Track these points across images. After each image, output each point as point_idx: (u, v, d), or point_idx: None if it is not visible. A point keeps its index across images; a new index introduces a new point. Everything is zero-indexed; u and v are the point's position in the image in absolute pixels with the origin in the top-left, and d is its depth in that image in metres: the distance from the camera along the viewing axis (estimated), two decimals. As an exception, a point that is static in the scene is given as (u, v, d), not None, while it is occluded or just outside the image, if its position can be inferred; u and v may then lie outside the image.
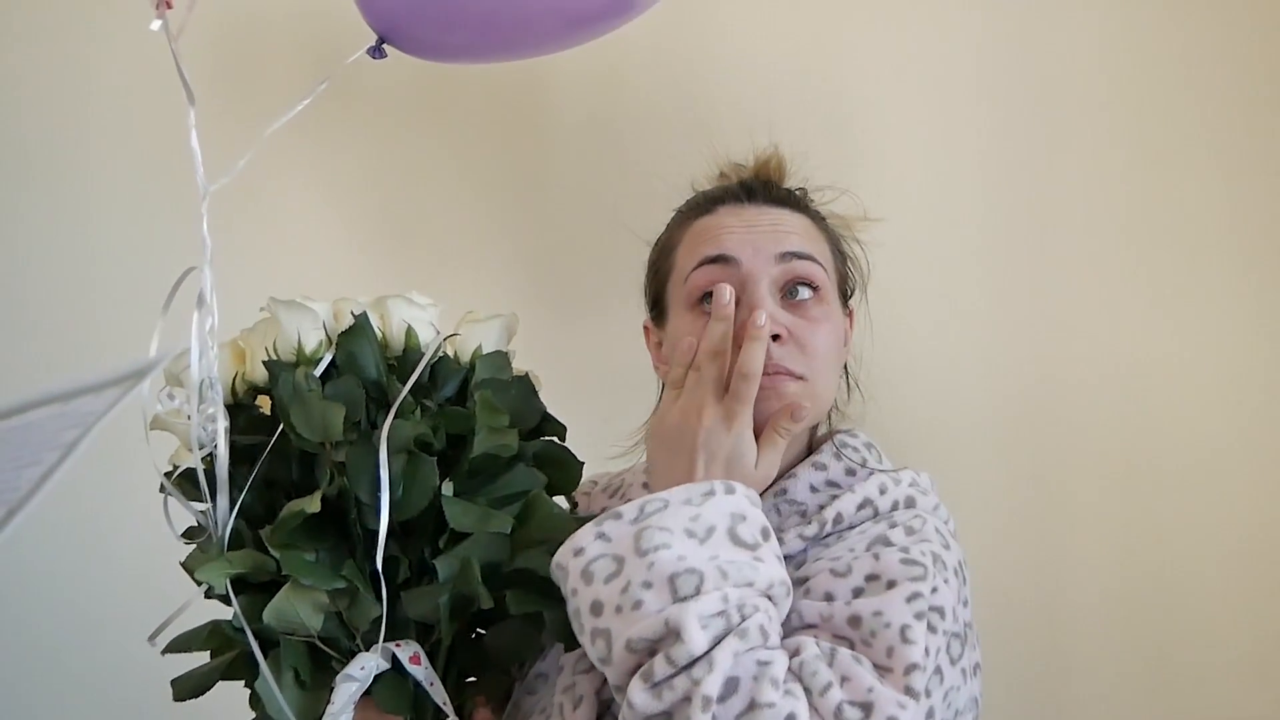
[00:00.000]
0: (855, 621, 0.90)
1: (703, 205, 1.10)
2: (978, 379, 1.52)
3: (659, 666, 0.84)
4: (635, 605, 0.86)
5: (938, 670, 0.90)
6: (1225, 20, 1.50)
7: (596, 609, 0.87)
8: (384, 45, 1.10)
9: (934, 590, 0.92)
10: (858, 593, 0.92)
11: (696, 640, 0.83)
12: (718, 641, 0.84)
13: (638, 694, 0.84)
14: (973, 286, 1.52)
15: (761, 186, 1.10)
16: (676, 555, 0.87)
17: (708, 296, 1.03)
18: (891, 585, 0.92)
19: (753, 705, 0.82)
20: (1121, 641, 1.50)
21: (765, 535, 0.92)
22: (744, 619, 0.86)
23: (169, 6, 1.06)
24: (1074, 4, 1.52)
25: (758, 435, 0.98)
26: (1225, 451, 1.49)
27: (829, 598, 0.93)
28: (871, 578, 0.93)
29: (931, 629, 0.90)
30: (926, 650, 0.89)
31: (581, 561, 0.89)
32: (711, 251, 1.04)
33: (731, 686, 0.83)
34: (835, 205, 1.17)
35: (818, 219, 1.11)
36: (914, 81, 1.53)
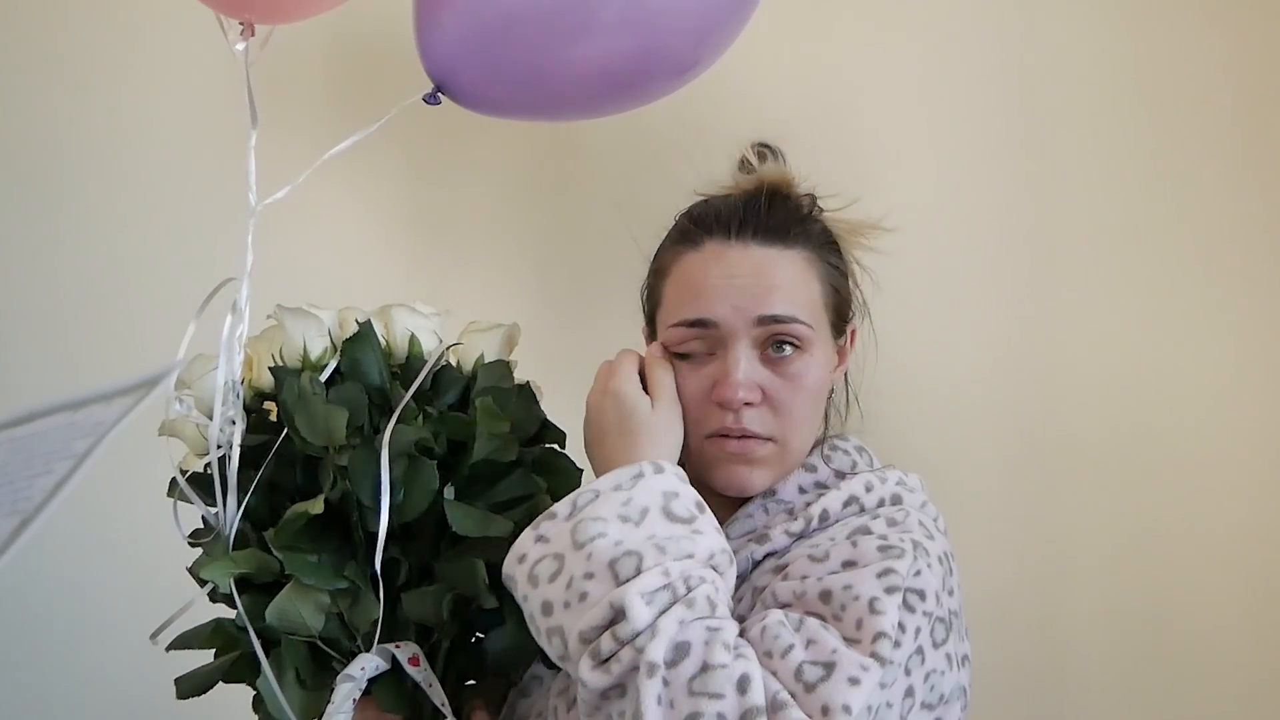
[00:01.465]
0: (826, 596, 0.91)
1: (693, 233, 1.07)
2: (980, 386, 1.52)
3: (605, 643, 0.86)
4: (581, 597, 0.88)
5: (919, 650, 0.90)
6: (1231, 25, 1.50)
7: (547, 609, 0.90)
8: (439, 93, 1.12)
9: (916, 573, 0.92)
10: (832, 575, 0.93)
11: (641, 615, 0.85)
12: (663, 612, 0.86)
13: (586, 672, 0.86)
14: (976, 295, 1.52)
15: (754, 217, 1.06)
16: (613, 541, 0.89)
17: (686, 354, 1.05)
18: (866, 566, 0.92)
19: (705, 668, 0.83)
20: (1121, 647, 1.50)
21: (700, 508, 0.94)
22: (689, 590, 0.88)
23: (252, 33, 1.12)
24: (1079, 11, 1.52)
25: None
26: (1225, 459, 1.49)
27: (804, 580, 0.93)
28: (848, 563, 0.93)
29: (909, 607, 0.90)
30: (902, 625, 0.89)
31: (526, 567, 0.92)
32: (690, 315, 1.03)
33: (682, 651, 0.84)
34: (848, 211, 1.15)
35: (815, 246, 1.08)
36: (920, 94, 1.53)
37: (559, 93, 1.13)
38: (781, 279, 1.04)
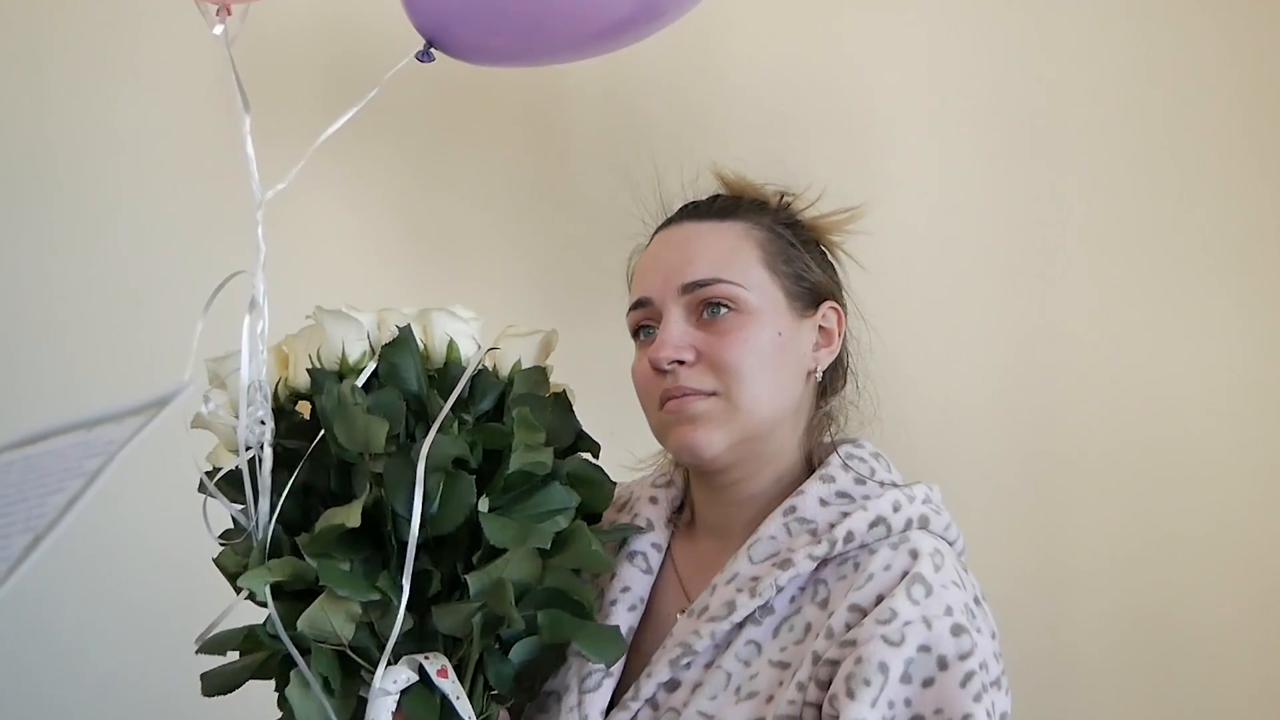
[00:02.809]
0: None
1: (653, 233, 1.13)
2: (982, 389, 1.52)
3: None
4: None
5: None
6: (1230, 32, 1.49)
7: None
8: (431, 49, 1.11)
9: (975, 646, 0.92)
10: (909, 665, 0.91)
11: None
12: None
13: None
14: (977, 298, 1.52)
15: (694, 203, 1.11)
16: None
17: (641, 330, 1.08)
18: (943, 665, 0.91)
19: None
20: (1125, 653, 1.49)
21: None
22: None
23: (229, 13, 1.09)
24: (1080, 17, 1.51)
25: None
26: (1230, 463, 1.47)
27: (883, 668, 0.91)
28: (923, 648, 0.92)
29: (979, 699, 0.91)
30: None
31: None
32: (637, 295, 1.08)
33: None
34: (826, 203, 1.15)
35: (759, 221, 1.08)
36: (922, 95, 1.53)
37: (548, 38, 1.13)
38: (705, 247, 1.06)
